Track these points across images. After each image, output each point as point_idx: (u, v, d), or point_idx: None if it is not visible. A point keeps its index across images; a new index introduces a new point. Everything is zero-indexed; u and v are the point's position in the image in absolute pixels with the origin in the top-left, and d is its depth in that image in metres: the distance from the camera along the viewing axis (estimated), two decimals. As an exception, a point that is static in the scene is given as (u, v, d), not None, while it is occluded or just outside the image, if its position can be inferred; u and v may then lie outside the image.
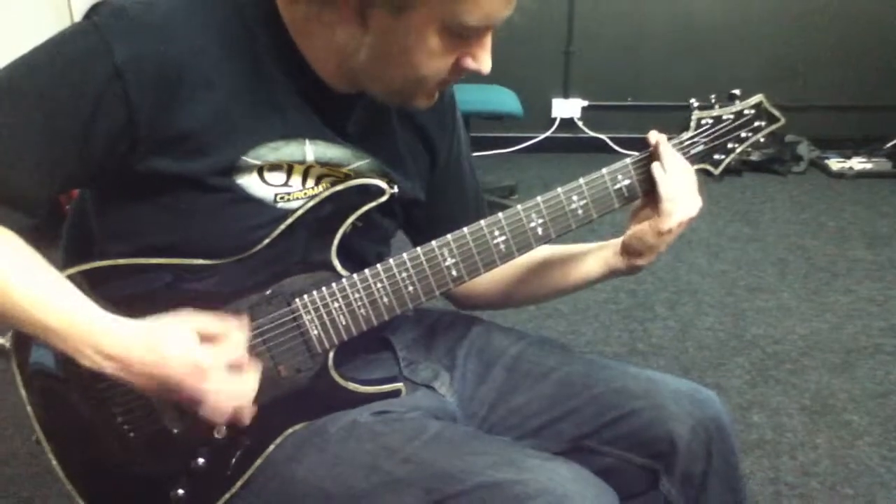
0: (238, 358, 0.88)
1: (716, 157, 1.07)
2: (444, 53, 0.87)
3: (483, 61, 0.90)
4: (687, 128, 1.05)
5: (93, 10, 0.86)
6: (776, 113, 1.08)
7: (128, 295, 0.90)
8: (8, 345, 0.94)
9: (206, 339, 0.86)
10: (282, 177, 0.94)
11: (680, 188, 0.99)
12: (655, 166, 1.00)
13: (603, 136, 4.41)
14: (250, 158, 0.90)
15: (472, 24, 0.84)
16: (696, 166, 1.05)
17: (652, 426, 1.02)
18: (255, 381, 0.90)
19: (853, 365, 2.32)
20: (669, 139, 1.03)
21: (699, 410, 1.03)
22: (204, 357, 0.84)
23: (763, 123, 1.08)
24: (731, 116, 1.06)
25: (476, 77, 0.93)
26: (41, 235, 0.90)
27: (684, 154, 1.03)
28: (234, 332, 0.89)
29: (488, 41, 0.89)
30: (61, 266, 0.92)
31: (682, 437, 1.01)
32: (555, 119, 4.46)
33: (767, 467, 1.86)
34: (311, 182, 0.96)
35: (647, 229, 1.00)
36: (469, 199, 1.18)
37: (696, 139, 1.05)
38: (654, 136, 1.01)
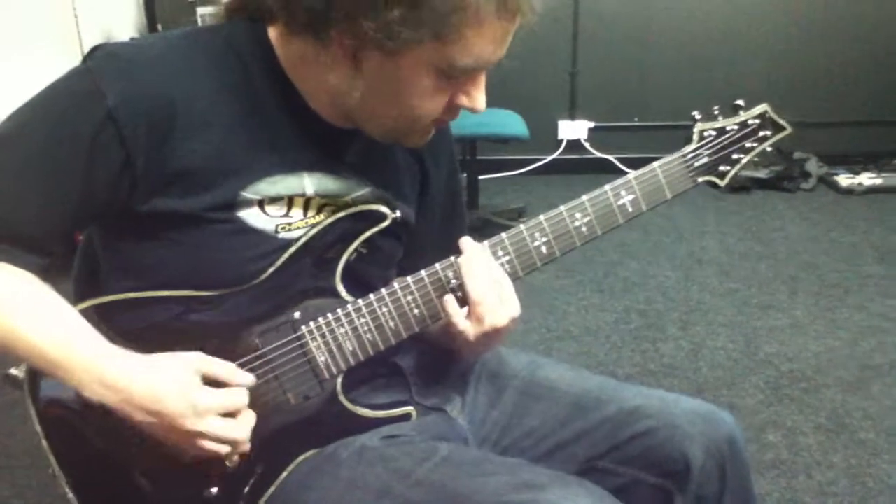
0: (236, 405, 0.88)
1: (721, 168, 1.05)
2: (437, 93, 0.88)
3: (477, 100, 0.91)
4: (690, 141, 1.03)
5: (89, 54, 0.88)
6: (782, 122, 1.06)
7: (137, 328, 0.91)
8: (22, 376, 0.94)
9: (208, 381, 0.87)
10: (283, 209, 0.94)
11: (479, 310, 0.94)
12: (448, 298, 0.96)
13: (610, 157, 4.42)
14: (249, 193, 0.91)
15: (463, 66, 0.85)
16: (701, 179, 1.04)
17: (666, 446, 1.01)
18: (249, 428, 0.90)
19: (868, 382, 2.29)
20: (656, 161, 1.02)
21: (713, 430, 1.02)
22: (200, 399, 0.85)
23: (769, 133, 1.06)
24: (736, 127, 1.05)
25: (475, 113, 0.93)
26: (54, 266, 0.91)
27: (687, 168, 1.03)
28: (237, 379, 0.89)
29: (482, 80, 0.90)
30: (73, 297, 0.93)
31: (697, 457, 1.00)
32: (561, 141, 4.47)
33: (784, 487, 1.84)
34: (312, 212, 0.97)
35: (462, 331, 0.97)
36: (428, 243, 1.11)
37: (699, 151, 1.03)
38: (464, 243, 0.97)
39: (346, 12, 0.81)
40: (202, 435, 0.85)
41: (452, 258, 0.97)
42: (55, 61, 2.99)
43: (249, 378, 0.91)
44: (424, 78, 0.86)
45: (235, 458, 0.93)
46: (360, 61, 0.86)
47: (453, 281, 0.97)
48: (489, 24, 0.83)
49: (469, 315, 0.95)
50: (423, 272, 0.97)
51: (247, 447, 0.90)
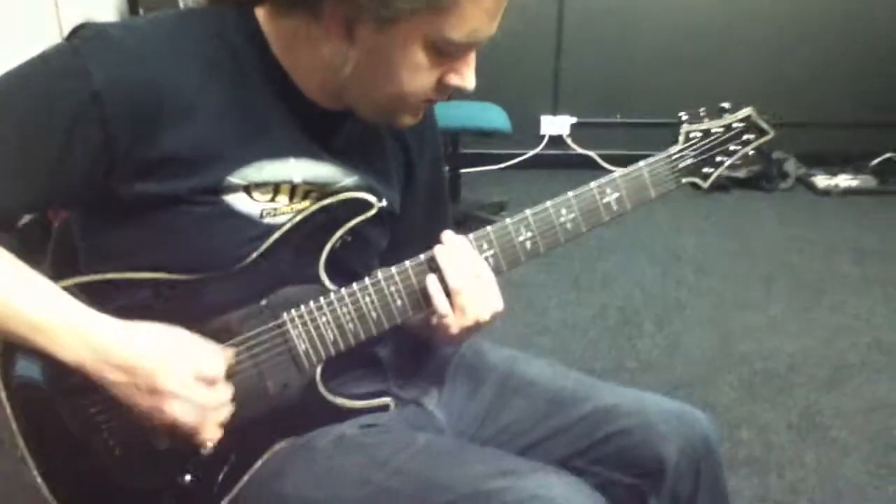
0: (212, 372, 0.87)
1: (705, 170, 1.06)
2: (428, 69, 0.88)
3: (467, 78, 0.90)
4: (676, 141, 1.04)
5: (74, 33, 0.86)
6: (765, 126, 1.07)
7: (113, 309, 0.88)
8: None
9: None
10: (268, 194, 0.93)
11: (461, 299, 0.94)
12: (430, 278, 0.95)
13: (592, 153, 4.43)
14: (235, 179, 0.90)
15: (456, 39, 0.85)
16: (685, 179, 1.05)
17: (641, 446, 1.02)
18: (225, 397, 0.89)
19: (841, 381, 2.32)
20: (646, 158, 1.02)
21: (688, 430, 1.03)
22: (176, 358, 0.85)
23: (752, 136, 1.07)
24: (721, 129, 1.05)
25: (465, 93, 0.93)
26: (28, 252, 0.89)
27: (672, 168, 1.03)
28: (214, 349, 0.89)
29: (472, 58, 0.90)
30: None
31: (671, 457, 1.01)
32: (543, 136, 4.47)
33: (756, 485, 1.86)
34: (298, 198, 0.96)
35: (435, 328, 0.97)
36: (411, 233, 1.12)
37: (684, 153, 1.04)
38: (445, 235, 0.97)
39: None
40: (172, 395, 0.84)
41: (436, 248, 0.97)
42: (34, 44, 2.94)
43: (227, 354, 0.90)
44: (417, 52, 0.86)
45: (211, 435, 0.91)
46: (353, 32, 0.85)
47: (437, 272, 0.96)
48: None
49: (451, 305, 0.95)
50: (407, 263, 0.96)
51: (221, 420, 0.89)
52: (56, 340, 0.83)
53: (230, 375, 0.90)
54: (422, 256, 0.96)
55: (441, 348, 1.16)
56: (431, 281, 0.95)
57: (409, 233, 1.11)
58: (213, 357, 0.88)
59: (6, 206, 0.86)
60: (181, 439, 0.88)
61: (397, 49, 0.85)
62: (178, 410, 0.85)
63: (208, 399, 0.86)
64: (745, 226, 3.65)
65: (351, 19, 0.84)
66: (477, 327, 0.96)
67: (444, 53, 0.87)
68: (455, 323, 0.95)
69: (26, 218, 0.95)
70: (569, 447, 1.05)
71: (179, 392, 0.84)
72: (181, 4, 3.44)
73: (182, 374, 0.84)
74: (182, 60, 0.87)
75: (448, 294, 0.94)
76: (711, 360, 2.44)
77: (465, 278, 0.94)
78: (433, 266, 0.96)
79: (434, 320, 0.96)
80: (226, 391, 0.89)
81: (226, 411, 0.89)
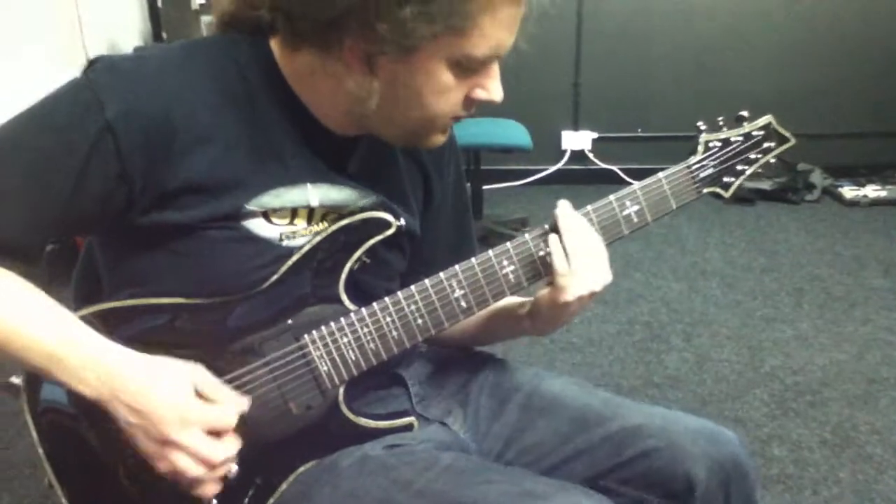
0: (223, 425, 0.87)
1: (725, 179, 1.04)
2: (454, 88, 0.88)
3: (494, 90, 0.90)
4: (695, 152, 1.03)
5: (88, 66, 0.87)
6: (786, 133, 1.06)
7: (136, 333, 0.90)
8: (21, 384, 0.94)
9: (200, 397, 0.86)
10: (287, 218, 0.94)
11: (578, 262, 0.95)
12: (552, 238, 0.96)
13: (614, 168, 4.42)
14: (253, 206, 0.90)
15: (480, 55, 0.85)
16: (706, 190, 1.03)
17: (669, 466, 1.00)
18: (230, 453, 0.88)
19: (875, 396, 2.28)
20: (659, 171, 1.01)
21: (717, 450, 1.01)
22: (190, 409, 0.84)
23: (773, 144, 1.05)
24: (740, 138, 1.04)
25: (486, 111, 0.93)
26: (55, 275, 0.90)
27: (692, 179, 1.02)
28: (229, 401, 0.88)
29: (496, 69, 0.90)
30: (72, 306, 0.92)
31: (700, 478, 0.98)
32: (565, 151, 4.47)
33: (789, 502, 1.82)
34: (316, 220, 0.96)
35: (547, 299, 0.98)
36: (438, 253, 1.12)
37: (704, 162, 1.02)
38: (561, 206, 0.97)
39: (360, 19, 0.81)
40: (180, 447, 0.83)
41: (457, 267, 0.96)
42: (59, 70, 2.99)
43: (242, 403, 0.90)
44: (441, 73, 0.86)
45: (235, 468, 0.91)
46: (374, 65, 0.85)
47: (458, 291, 0.95)
48: (502, 9, 0.83)
49: (555, 282, 0.95)
50: (426, 281, 0.95)
51: (219, 476, 0.88)
52: (74, 374, 0.83)
53: (243, 423, 0.89)
54: (441, 275, 0.96)
55: (464, 368, 1.16)
56: (553, 240, 0.95)
57: (432, 252, 1.11)
58: (227, 408, 0.88)
59: (23, 239, 0.87)
60: (180, 486, 0.87)
61: (421, 74, 0.85)
62: (183, 463, 0.84)
63: (215, 454, 0.86)
64: (772, 239, 3.60)
65: (371, 53, 0.84)
66: (589, 297, 0.96)
67: (469, 69, 0.87)
68: (571, 287, 0.94)
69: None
70: (595, 467, 1.04)
71: (188, 445, 0.84)
72: (203, 30, 3.49)
73: (194, 429, 0.84)
74: (194, 89, 0.88)
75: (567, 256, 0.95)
76: (741, 376, 2.40)
77: (580, 243, 0.95)
78: (454, 285, 0.95)
79: (552, 284, 0.96)
80: (233, 445, 0.89)
81: (229, 466, 0.89)
